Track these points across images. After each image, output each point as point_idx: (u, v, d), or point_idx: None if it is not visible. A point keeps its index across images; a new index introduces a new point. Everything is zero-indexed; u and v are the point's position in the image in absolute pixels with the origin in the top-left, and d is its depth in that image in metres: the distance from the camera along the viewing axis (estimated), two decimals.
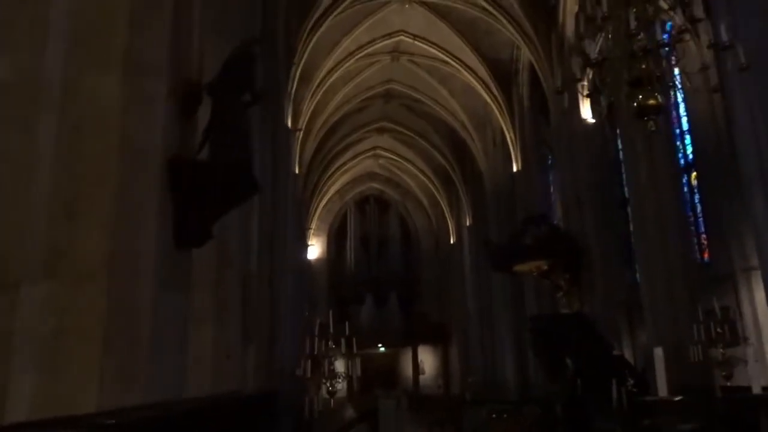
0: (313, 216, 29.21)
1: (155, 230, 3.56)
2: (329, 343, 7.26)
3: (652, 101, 4.36)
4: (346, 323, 10.35)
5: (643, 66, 4.37)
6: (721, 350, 7.86)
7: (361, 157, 28.36)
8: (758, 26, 7.98)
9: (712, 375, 8.06)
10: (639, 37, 4.42)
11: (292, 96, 14.75)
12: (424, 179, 28.52)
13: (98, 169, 3.39)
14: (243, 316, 6.88)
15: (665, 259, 10.52)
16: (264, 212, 9.16)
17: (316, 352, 7.22)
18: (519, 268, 13.94)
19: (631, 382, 11.99)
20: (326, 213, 31.46)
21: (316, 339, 7.44)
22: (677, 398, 6.54)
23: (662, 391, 5.89)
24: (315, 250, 30.80)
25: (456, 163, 24.50)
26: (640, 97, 4.38)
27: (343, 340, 7.85)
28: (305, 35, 14.78)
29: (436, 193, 28.41)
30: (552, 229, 13.47)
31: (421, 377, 28.95)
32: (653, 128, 4.39)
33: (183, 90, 3.92)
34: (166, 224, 3.71)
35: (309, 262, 29.52)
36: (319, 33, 15.46)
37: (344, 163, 27.64)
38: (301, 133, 17.90)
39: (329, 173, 27.03)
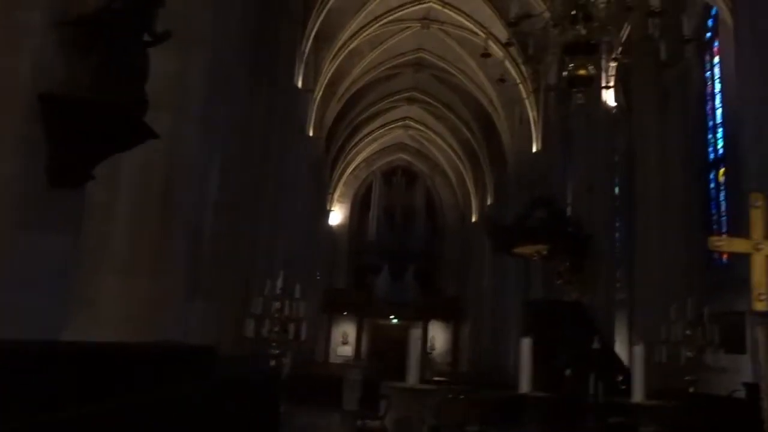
0: (338, 182, 29.09)
1: (14, 167, 3.41)
2: (277, 304, 7.08)
3: (582, 71, 3.95)
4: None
5: (583, 32, 3.93)
6: (688, 353, 7.41)
7: (391, 126, 27.96)
8: None
9: (683, 379, 7.64)
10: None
11: (305, 55, 14.46)
12: (452, 154, 27.97)
13: None
14: (190, 270, 6.77)
15: (664, 257, 9.96)
16: (240, 167, 9.01)
17: (261, 312, 7.04)
18: (519, 250, 13.50)
19: (620, 378, 11.58)
20: (353, 179, 31.28)
21: (275, 301, 7.26)
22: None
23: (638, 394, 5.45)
24: (338, 215, 30.76)
25: (483, 139, 23.89)
26: (571, 66, 3.97)
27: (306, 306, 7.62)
28: None
29: (462, 168, 27.86)
30: (556, 214, 12.94)
31: (432, 353, 28.82)
32: (581, 101, 3.98)
33: (69, 23, 3.71)
34: (34, 161, 3.55)
35: (330, 227, 29.55)
36: None
37: (372, 131, 27.31)
38: (319, 94, 17.63)
39: (356, 140, 26.77)
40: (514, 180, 20.45)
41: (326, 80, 18.07)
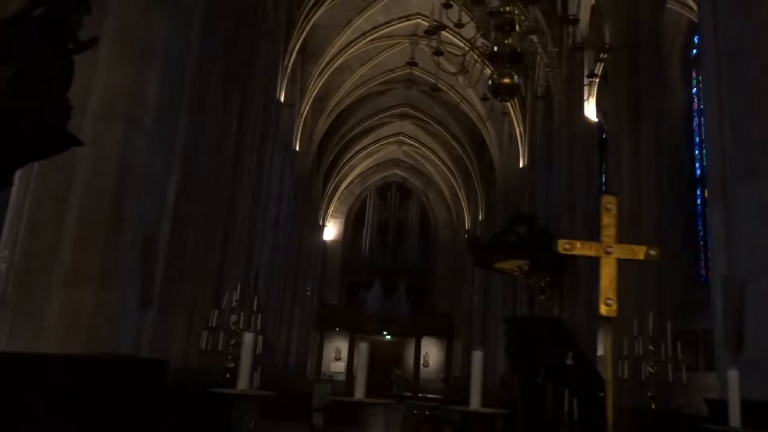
0: (332, 197, 29.11)
1: None
2: (234, 317, 7.01)
3: (506, 80, 3.94)
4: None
5: (507, 41, 3.93)
6: (650, 369, 7.31)
7: (385, 141, 28.04)
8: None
9: (644, 395, 7.53)
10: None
11: (289, 70, 14.53)
12: (445, 170, 28.00)
13: None
14: (143, 281, 6.71)
15: (635, 274, 9.85)
16: (210, 179, 9.01)
17: (215, 325, 6.96)
18: (500, 265, 13.37)
19: (601, 394, 11.44)
20: (347, 195, 31.31)
21: (233, 313, 7.19)
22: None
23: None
24: (331, 231, 30.73)
25: (474, 155, 23.93)
26: (496, 74, 3.98)
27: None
28: (307, 8, 14.51)
29: (455, 184, 27.86)
30: (536, 230, 12.84)
31: (425, 369, 28.61)
32: (505, 110, 3.96)
33: None
34: None
35: (324, 242, 29.52)
36: (325, 7, 15.15)
37: (366, 147, 27.38)
38: (306, 109, 17.70)
39: (349, 155, 26.82)
40: (502, 196, 20.42)
41: (314, 95, 18.15)
